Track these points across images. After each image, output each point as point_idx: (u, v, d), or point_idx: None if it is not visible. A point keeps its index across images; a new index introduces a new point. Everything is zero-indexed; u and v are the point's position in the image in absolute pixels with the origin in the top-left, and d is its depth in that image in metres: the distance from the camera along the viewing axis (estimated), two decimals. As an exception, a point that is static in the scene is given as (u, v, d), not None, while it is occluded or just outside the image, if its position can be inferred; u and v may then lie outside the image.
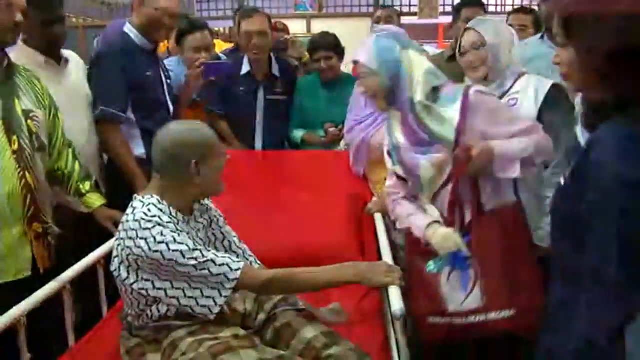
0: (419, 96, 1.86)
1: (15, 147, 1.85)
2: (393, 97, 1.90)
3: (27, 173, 1.86)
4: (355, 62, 1.96)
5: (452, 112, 1.84)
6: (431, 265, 1.84)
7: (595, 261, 1.08)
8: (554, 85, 2.04)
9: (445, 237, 1.81)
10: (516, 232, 1.82)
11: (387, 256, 1.90)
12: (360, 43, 1.95)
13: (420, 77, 1.87)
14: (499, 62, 2.10)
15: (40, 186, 1.93)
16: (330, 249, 2.15)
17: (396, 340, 1.61)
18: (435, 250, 1.82)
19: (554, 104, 2.04)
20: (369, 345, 1.65)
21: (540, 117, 2.03)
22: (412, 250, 1.94)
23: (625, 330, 1.02)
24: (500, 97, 2.10)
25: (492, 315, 1.73)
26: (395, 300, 1.57)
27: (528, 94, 2.07)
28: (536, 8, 3.42)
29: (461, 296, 1.77)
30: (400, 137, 1.94)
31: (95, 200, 2.21)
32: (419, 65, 1.89)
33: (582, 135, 1.30)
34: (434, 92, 1.88)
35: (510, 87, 2.12)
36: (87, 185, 2.22)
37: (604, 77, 1.16)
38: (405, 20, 3.59)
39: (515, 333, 1.70)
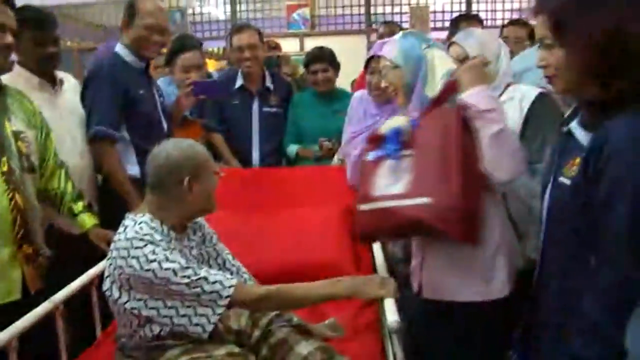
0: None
1: (5, 168, 1.83)
2: (412, 93, 1.89)
3: (16, 194, 1.84)
4: (377, 57, 1.99)
5: None
6: (369, 154, 1.80)
7: (609, 247, 1.10)
8: (541, 94, 2.03)
9: (394, 119, 1.80)
10: (458, 133, 1.65)
11: (382, 269, 1.87)
12: (390, 40, 1.97)
13: (442, 76, 1.86)
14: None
15: (30, 207, 1.90)
16: (325, 264, 2.13)
17: (393, 353, 1.58)
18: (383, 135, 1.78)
19: (540, 112, 2.03)
20: (366, 358, 1.62)
21: (525, 125, 2.01)
22: (367, 147, 1.88)
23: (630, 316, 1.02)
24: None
25: (409, 202, 1.63)
26: (391, 313, 1.54)
27: (513, 103, 2.06)
28: (532, 22, 3.45)
29: (388, 181, 1.71)
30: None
31: (88, 221, 2.19)
32: (441, 64, 1.88)
33: (581, 135, 1.27)
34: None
35: (498, 98, 2.12)
36: (79, 206, 2.19)
37: (598, 75, 1.15)
38: (396, 35, 3.63)
39: (425, 223, 1.60)
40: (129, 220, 1.65)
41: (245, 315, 1.77)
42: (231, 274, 1.78)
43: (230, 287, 1.56)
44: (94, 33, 5.63)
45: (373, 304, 1.86)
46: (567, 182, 1.24)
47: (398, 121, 1.80)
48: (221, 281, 1.56)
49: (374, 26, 3.94)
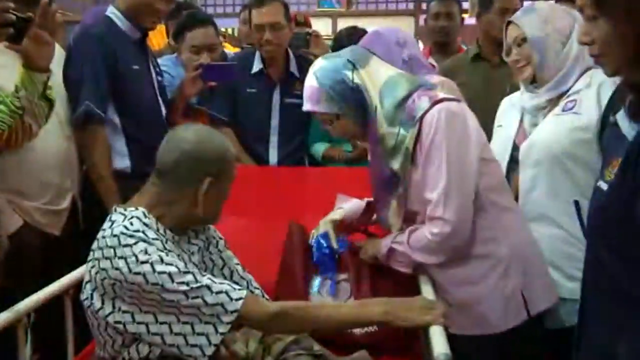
0: (383, 125, 1.87)
1: None
2: (367, 128, 1.92)
3: None
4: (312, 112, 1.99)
5: (408, 141, 1.85)
6: (313, 285, 2.08)
7: None
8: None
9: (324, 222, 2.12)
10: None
11: (427, 290, 1.84)
12: (305, 90, 1.95)
13: (377, 99, 1.88)
14: (546, 60, 2.09)
15: None
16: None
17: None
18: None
19: (621, 104, 2.00)
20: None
21: (604, 120, 1.97)
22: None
23: None
24: (557, 100, 2.11)
25: (356, 330, 1.91)
26: (438, 343, 1.51)
27: (589, 93, 2.03)
28: None
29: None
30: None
31: None
32: (373, 84, 1.89)
33: (626, 126, 1.26)
34: (399, 109, 1.87)
35: (572, 86, 2.09)
36: None
37: None
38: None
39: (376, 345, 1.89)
40: (117, 215, 1.64)
41: (256, 338, 1.76)
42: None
43: (238, 299, 1.54)
44: (82, 4, 5.74)
45: (416, 333, 1.83)
46: (605, 187, 1.23)
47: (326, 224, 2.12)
48: (227, 292, 1.55)
49: (423, 6, 3.88)
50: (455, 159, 1.82)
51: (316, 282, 2.08)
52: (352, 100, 1.87)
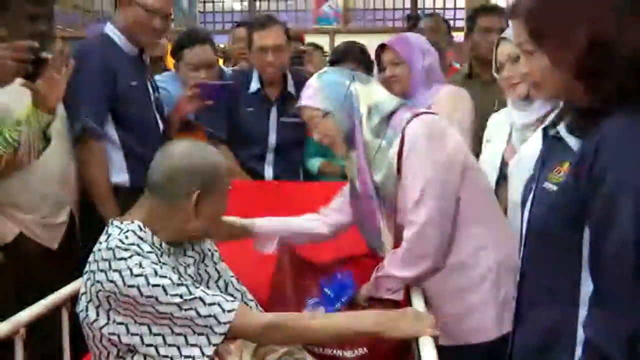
0: (367, 135, 1.95)
1: None
2: (351, 138, 1.99)
3: None
4: (300, 109, 2.05)
5: (392, 153, 1.92)
6: (311, 302, 2.10)
7: (609, 269, 1.18)
8: None
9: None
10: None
11: (418, 302, 1.86)
12: (305, 88, 2.04)
13: (365, 111, 1.96)
14: None
15: None
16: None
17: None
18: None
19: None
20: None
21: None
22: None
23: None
24: (545, 117, 2.11)
25: (348, 353, 1.95)
26: (428, 354, 1.53)
27: None
28: None
29: None
30: (358, 186, 2.04)
31: None
32: (365, 97, 1.98)
33: (573, 142, 1.34)
34: (384, 123, 1.96)
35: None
36: None
37: (583, 80, 1.25)
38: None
39: None
40: (113, 228, 1.66)
41: (249, 350, 1.77)
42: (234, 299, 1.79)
43: (230, 311, 1.56)
44: (83, 19, 5.77)
45: (406, 344, 1.85)
46: (554, 187, 1.33)
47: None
48: (220, 303, 1.56)
49: (420, 24, 3.95)
50: (432, 166, 1.88)
51: (311, 303, 2.10)
52: (343, 103, 1.96)
